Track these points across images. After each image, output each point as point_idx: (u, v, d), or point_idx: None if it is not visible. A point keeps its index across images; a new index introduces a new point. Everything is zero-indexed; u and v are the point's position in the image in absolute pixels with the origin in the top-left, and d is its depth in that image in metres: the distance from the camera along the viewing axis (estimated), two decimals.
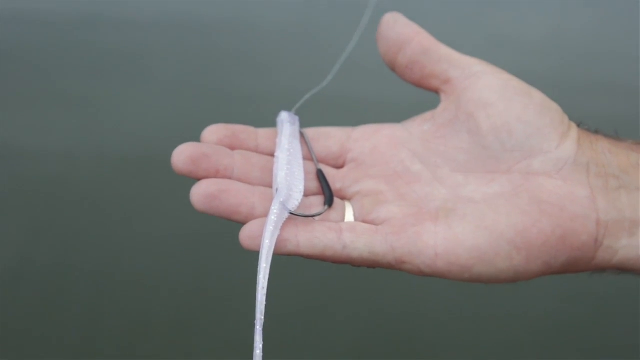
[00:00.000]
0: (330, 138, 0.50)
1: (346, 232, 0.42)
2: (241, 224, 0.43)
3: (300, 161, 0.48)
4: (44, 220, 1.47)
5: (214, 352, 1.26)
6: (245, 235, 0.42)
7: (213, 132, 0.48)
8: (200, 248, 1.41)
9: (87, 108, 1.77)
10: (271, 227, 0.41)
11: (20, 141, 1.64)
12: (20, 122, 1.71)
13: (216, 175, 0.45)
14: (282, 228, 0.42)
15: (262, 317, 0.40)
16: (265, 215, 0.42)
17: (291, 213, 0.42)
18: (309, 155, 0.49)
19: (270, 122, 0.53)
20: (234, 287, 1.31)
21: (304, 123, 0.52)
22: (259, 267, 0.40)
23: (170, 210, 1.44)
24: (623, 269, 0.43)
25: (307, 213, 0.44)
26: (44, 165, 1.59)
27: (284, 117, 0.51)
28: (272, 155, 0.49)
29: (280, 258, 0.42)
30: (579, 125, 0.46)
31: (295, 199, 0.44)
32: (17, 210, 1.48)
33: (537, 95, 0.45)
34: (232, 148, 0.47)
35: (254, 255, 0.41)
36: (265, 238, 0.41)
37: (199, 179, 0.44)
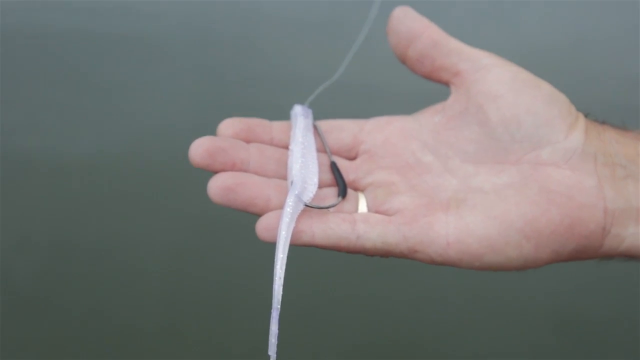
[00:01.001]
0: (343, 130, 0.51)
1: (360, 223, 0.43)
2: (257, 215, 0.44)
3: (314, 154, 0.49)
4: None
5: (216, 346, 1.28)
6: (262, 226, 0.43)
7: (229, 126, 0.49)
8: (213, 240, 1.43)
9: (99, 97, 1.78)
10: (287, 219, 0.42)
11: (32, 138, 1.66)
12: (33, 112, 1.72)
13: (232, 168, 0.46)
14: (298, 220, 0.43)
15: (279, 307, 0.41)
16: (281, 207, 0.43)
17: (306, 205, 0.43)
18: (323, 148, 0.50)
19: (284, 110, 0.54)
20: (244, 280, 1.33)
21: (322, 111, 0.53)
22: (275, 257, 0.42)
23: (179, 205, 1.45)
24: (630, 256, 0.44)
25: (322, 205, 0.45)
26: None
27: (298, 110, 0.52)
28: (286, 148, 0.50)
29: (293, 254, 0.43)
30: (586, 116, 0.46)
31: (310, 191, 0.45)
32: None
33: (545, 87, 0.45)
34: (248, 141, 0.48)
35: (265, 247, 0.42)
36: (282, 229, 0.42)
37: (215, 172, 0.45)
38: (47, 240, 1.43)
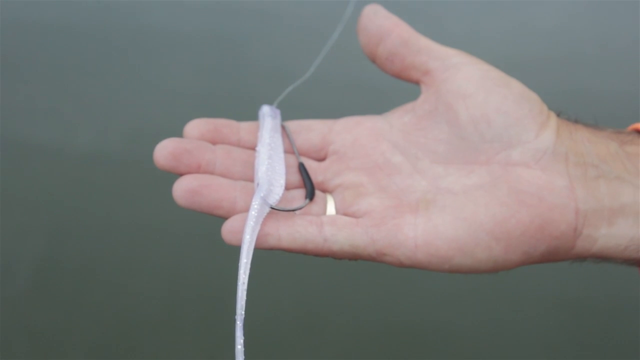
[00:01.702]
0: (311, 131, 0.50)
1: (327, 226, 0.43)
2: (223, 218, 0.43)
3: (282, 155, 0.48)
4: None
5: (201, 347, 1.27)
6: (227, 230, 0.42)
7: (195, 127, 0.48)
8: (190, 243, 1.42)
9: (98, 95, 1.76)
10: (252, 222, 0.41)
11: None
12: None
13: (198, 170, 0.45)
14: (264, 222, 0.42)
15: (243, 313, 0.40)
16: (247, 209, 0.42)
17: (272, 207, 0.43)
18: (291, 149, 0.50)
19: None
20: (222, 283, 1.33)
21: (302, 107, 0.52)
22: (239, 262, 0.41)
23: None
24: (602, 258, 0.43)
25: (288, 207, 0.44)
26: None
27: (265, 110, 0.51)
28: (254, 149, 0.49)
29: (284, 261, 0.42)
30: (558, 115, 0.46)
31: (276, 194, 0.44)
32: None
33: (516, 86, 0.45)
34: (214, 142, 0.47)
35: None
36: (246, 233, 0.41)
37: (181, 175, 0.44)
38: (46, 232, 1.43)
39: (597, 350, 1.30)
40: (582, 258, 0.44)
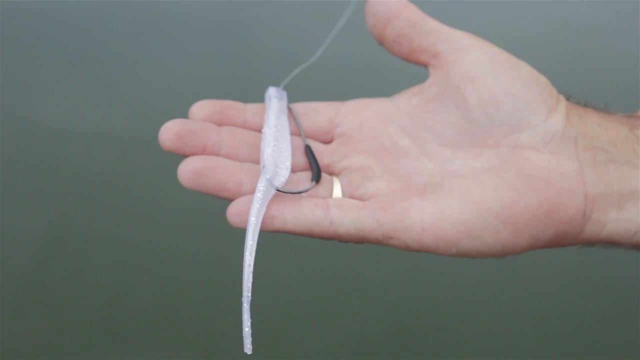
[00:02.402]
0: (318, 113, 0.50)
1: (333, 208, 0.42)
2: (229, 201, 0.43)
3: (288, 137, 0.48)
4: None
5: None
6: (233, 212, 0.42)
7: (201, 108, 0.48)
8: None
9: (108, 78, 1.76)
10: (257, 205, 0.41)
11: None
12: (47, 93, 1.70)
13: (203, 152, 0.45)
14: (269, 205, 0.42)
15: (249, 295, 0.40)
16: (253, 192, 0.42)
17: (278, 190, 0.42)
18: (298, 131, 0.49)
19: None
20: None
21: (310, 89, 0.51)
22: (245, 244, 0.40)
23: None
24: (612, 243, 0.43)
25: (294, 190, 0.44)
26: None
27: (272, 92, 0.51)
28: (260, 131, 0.48)
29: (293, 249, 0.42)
30: (568, 99, 0.45)
31: (282, 176, 0.44)
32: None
33: (526, 69, 0.44)
34: (220, 124, 0.47)
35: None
36: (252, 215, 0.41)
37: (186, 156, 0.44)
38: (48, 218, 1.43)
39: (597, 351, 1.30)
40: (591, 243, 0.43)
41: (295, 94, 0.53)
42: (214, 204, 0.54)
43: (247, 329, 0.40)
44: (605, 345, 1.29)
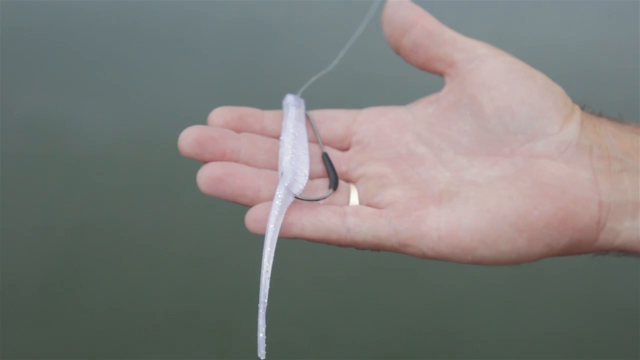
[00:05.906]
0: (335, 120, 0.51)
1: (350, 216, 0.43)
2: (247, 207, 0.44)
3: (306, 144, 0.48)
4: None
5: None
6: (251, 218, 0.42)
7: (219, 115, 0.48)
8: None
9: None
10: (276, 212, 0.41)
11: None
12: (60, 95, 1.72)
13: (222, 158, 0.45)
14: (287, 212, 0.42)
15: (266, 301, 0.41)
16: (271, 198, 0.43)
17: (296, 197, 0.43)
18: (315, 138, 0.50)
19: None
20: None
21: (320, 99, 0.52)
22: (263, 250, 0.41)
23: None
24: (625, 251, 0.43)
25: (312, 197, 0.44)
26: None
27: (290, 100, 0.52)
28: (278, 138, 0.49)
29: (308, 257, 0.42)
30: (582, 108, 0.46)
31: (300, 183, 0.44)
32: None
33: (541, 78, 0.45)
34: (239, 131, 0.48)
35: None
36: (270, 222, 0.41)
37: (205, 162, 0.45)
38: (64, 222, 1.45)
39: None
40: (605, 251, 0.44)
41: (312, 102, 0.54)
42: (232, 210, 0.54)
43: (261, 334, 0.41)
44: (605, 345, 1.29)
